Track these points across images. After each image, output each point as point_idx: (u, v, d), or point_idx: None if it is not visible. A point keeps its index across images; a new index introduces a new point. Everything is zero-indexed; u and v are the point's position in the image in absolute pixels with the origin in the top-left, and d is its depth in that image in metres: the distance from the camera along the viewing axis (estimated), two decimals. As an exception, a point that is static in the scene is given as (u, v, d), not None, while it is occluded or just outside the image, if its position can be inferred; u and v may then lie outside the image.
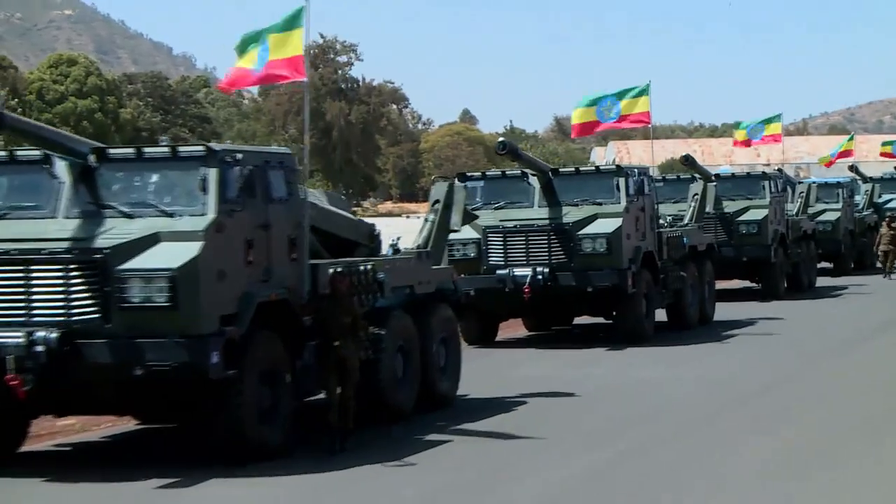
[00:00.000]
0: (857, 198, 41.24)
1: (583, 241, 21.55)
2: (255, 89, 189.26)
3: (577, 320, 24.70)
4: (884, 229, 35.50)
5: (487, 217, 21.97)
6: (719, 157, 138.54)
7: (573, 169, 22.89)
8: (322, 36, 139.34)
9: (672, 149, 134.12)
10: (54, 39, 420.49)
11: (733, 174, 31.98)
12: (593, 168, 22.94)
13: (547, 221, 21.74)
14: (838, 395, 16.48)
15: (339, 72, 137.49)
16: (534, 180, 22.34)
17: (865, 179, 42.77)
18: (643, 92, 23.86)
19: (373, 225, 15.90)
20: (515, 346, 22.95)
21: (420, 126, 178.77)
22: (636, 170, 22.38)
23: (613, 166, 22.46)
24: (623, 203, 21.89)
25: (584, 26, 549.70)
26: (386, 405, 14.31)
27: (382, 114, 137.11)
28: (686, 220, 26.27)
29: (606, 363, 20.09)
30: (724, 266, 30.47)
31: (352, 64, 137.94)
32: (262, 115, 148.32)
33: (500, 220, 21.92)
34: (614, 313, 22.47)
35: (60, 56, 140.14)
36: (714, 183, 27.66)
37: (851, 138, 42.81)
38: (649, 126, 24.72)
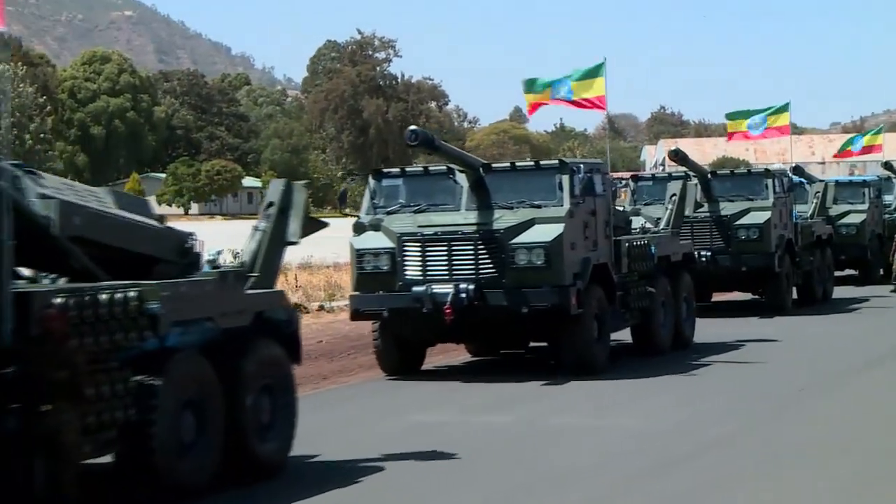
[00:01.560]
0: (889, 198, 37.29)
1: (516, 252, 17.84)
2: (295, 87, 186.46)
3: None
4: None
5: (405, 222, 18.34)
6: (772, 154, 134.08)
7: (508, 164, 19.17)
8: (360, 32, 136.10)
9: (724, 147, 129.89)
10: (115, 40, 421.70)
11: (732, 171, 28.13)
12: (532, 163, 19.16)
13: (474, 228, 18.05)
14: (812, 453, 12.70)
15: (378, 68, 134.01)
16: (462, 178, 18.66)
17: (902, 177, 38.71)
18: (597, 73, 20.04)
19: (188, 234, 12.21)
20: (438, 377, 19.19)
21: (466, 124, 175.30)
22: (581, 165, 18.59)
23: (556, 161, 18.68)
24: (566, 205, 18.15)
25: (641, 25, 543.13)
26: (160, 480, 10.63)
27: (421, 111, 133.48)
28: (661, 225, 22.48)
29: (525, 405, 16.29)
30: (722, 277, 26.77)
31: (390, 60, 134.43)
32: (304, 113, 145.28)
33: (419, 226, 18.25)
34: (562, 344, 18.74)
35: (94, 53, 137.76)
36: (694, 182, 23.78)
37: (879, 131, 38.69)
38: (604, 112, 20.92)
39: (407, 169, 19.35)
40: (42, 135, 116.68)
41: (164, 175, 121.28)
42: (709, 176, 27.44)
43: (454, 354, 21.17)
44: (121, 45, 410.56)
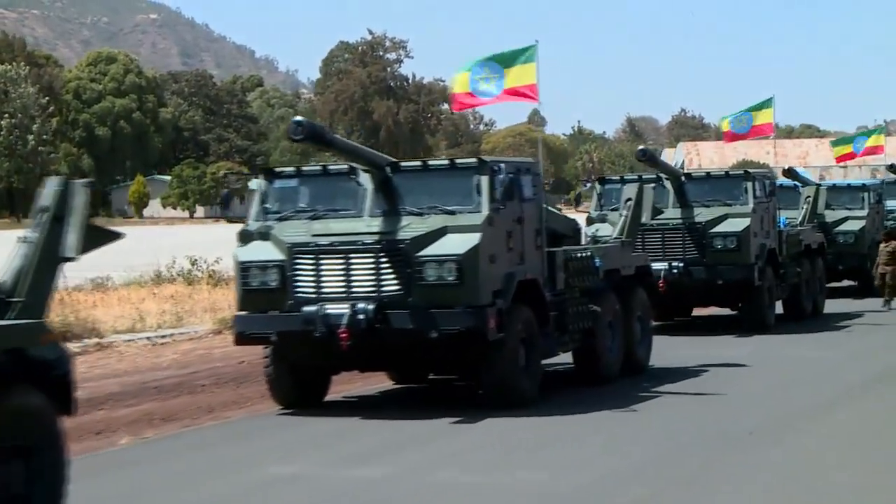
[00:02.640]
0: (893, 203, 34.58)
1: (425, 267, 15.24)
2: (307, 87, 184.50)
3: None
4: (882, 245, 28.72)
5: (298, 230, 15.78)
6: (793, 158, 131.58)
7: (420, 163, 16.54)
8: (371, 32, 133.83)
9: (744, 150, 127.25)
10: (139, 43, 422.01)
11: (708, 174, 25.45)
12: (446, 162, 16.52)
13: (376, 237, 15.45)
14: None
15: (388, 69, 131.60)
16: (366, 179, 16.07)
17: (912, 180, 35.99)
18: (529, 58, 17.36)
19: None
20: (338, 411, 16.48)
21: (482, 127, 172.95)
22: (502, 164, 15.94)
23: (474, 159, 16.04)
24: (485, 211, 15.54)
25: (659, 24, 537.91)
26: None
27: (432, 113, 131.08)
28: (614, 234, 19.87)
29: (416, 451, 13.63)
30: (696, 291, 24.16)
31: (401, 61, 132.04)
32: (316, 115, 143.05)
33: (314, 235, 15.67)
34: (482, 373, 16.13)
35: (99, 53, 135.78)
36: (653, 186, 21.12)
37: (880, 131, 35.89)
38: (537, 103, 18.20)
39: (303, 168, 16.74)
40: (45, 136, 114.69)
41: (169, 177, 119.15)
42: (682, 178, 24.80)
43: (373, 381, 18.58)
44: (145, 48, 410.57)
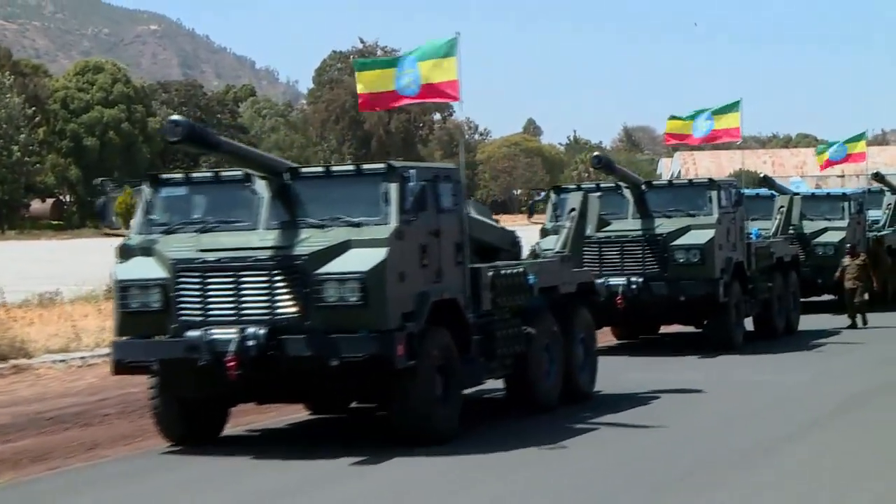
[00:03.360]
0: (877, 213, 32.91)
1: (324, 286, 13.54)
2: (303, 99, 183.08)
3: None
4: (846, 260, 26.97)
5: (184, 244, 14.08)
6: (790, 168, 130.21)
7: (322, 169, 14.79)
8: (362, 41, 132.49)
9: (741, 160, 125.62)
10: (140, 54, 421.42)
11: (670, 182, 23.75)
12: (352, 168, 14.77)
13: (270, 253, 13.75)
14: None
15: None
16: (262, 186, 14.38)
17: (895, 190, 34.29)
18: (450, 52, 15.61)
19: None
20: (230, 448, 14.69)
21: (477, 136, 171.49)
22: (413, 170, 14.21)
23: (382, 165, 14.31)
24: (393, 223, 13.84)
25: (658, 34, 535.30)
26: None
27: (424, 122, 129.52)
28: (556, 248, 18.17)
29: None
30: (658, 307, 22.50)
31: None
32: (310, 126, 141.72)
33: (201, 250, 13.96)
34: (392, 405, 14.42)
35: (87, 63, 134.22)
36: (599, 195, 19.37)
37: (862, 137, 34.17)
38: (457, 103, 16.45)
39: (193, 174, 15.02)
40: (31, 147, 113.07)
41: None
42: (643, 187, 23.10)
43: (288, 411, 16.85)
44: (146, 59, 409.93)
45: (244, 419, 16.16)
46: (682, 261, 22.31)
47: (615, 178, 23.32)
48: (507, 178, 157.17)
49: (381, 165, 14.23)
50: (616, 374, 20.08)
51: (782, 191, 28.54)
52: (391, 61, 15.64)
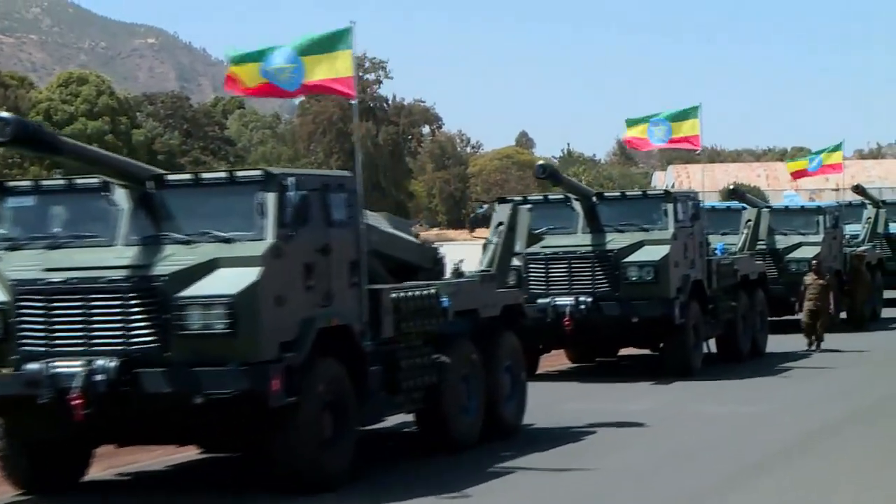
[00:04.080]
0: (857, 227, 31.18)
1: (186, 313, 11.71)
2: (289, 108, 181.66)
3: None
4: (808, 279, 25.13)
5: (30, 262, 12.25)
6: (785, 181, 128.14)
7: (190, 177, 12.98)
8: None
9: (735, 173, 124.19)
10: (137, 67, 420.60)
11: (623, 194, 21.90)
12: (224, 175, 12.95)
13: (125, 273, 11.92)
14: None
15: (368, 90, 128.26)
16: (122, 196, 12.58)
17: (877, 203, 32.53)
18: (345, 45, 13.72)
19: None
20: (83, 497, 12.91)
21: (469, 149, 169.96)
22: (292, 178, 12.38)
23: (259, 172, 12.48)
24: (269, 239, 12.03)
25: (646, 47, 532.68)
26: None
27: (412, 135, 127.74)
28: (483, 265, 16.34)
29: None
30: (610, 329, 20.76)
31: (381, 82, 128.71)
32: (296, 137, 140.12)
33: (47, 270, 12.12)
34: (271, 448, 12.57)
35: (70, 74, 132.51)
36: (529, 207, 17.52)
37: (838, 148, 32.35)
38: (353, 100, 14.53)
39: (43, 182, 13.17)
40: (11, 159, 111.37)
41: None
42: (594, 199, 21.30)
43: (178, 450, 15.01)
44: (143, 73, 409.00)
45: (120, 460, 14.33)
46: (634, 279, 20.50)
47: (562, 189, 21.57)
48: (498, 191, 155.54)
49: (257, 172, 12.44)
50: (556, 403, 18.32)
51: (753, 204, 26.76)
52: (261, 53, 13.74)
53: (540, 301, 20.56)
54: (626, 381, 20.99)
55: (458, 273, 15.92)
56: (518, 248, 16.52)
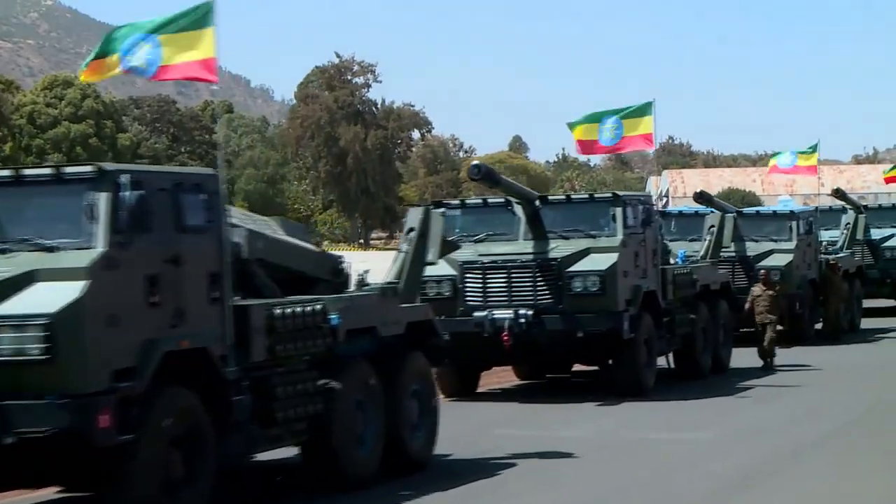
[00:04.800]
0: (834, 233, 29.38)
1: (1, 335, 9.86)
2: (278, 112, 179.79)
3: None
4: (757, 289, 23.21)
5: None
6: (780, 186, 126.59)
7: (9, 173, 11.09)
8: (338, 55, 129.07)
9: (730, 178, 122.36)
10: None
11: (568, 197, 20.06)
12: (50, 173, 11.00)
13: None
14: None
15: (356, 94, 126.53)
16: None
17: (859, 208, 30.71)
18: (200, 24, 11.81)
19: None
20: None
21: (462, 154, 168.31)
22: (126, 177, 10.48)
23: (91, 168, 10.61)
24: (100, 247, 10.18)
25: (645, 47, 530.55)
26: None
27: (401, 139, 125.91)
28: (388, 277, 14.46)
29: None
30: (554, 345, 18.95)
31: (369, 85, 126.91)
32: (285, 142, 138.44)
33: None
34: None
35: (55, 77, 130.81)
36: (441, 211, 15.64)
37: (814, 150, 30.44)
38: (215, 85, 12.60)
39: None
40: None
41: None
42: (536, 203, 19.44)
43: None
44: (141, 78, 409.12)
45: None
46: (579, 290, 18.63)
47: (501, 191, 19.72)
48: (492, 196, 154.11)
49: (88, 168, 10.61)
50: (483, 429, 16.49)
51: (722, 208, 24.93)
52: (106, 40, 12.01)
53: (476, 314, 18.78)
54: (572, 401, 19.12)
55: (362, 285, 14.07)
56: (430, 256, 14.60)
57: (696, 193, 25.53)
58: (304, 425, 12.25)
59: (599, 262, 18.64)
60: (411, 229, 14.59)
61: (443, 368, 19.74)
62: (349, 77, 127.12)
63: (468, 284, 19.06)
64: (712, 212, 25.23)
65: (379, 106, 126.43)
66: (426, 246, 14.49)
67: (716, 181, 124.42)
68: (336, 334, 12.55)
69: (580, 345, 18.91)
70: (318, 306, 12.39)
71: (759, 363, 22.60)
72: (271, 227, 13.71)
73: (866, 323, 29.27)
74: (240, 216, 13.28)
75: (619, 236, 18.88)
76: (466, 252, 19.10)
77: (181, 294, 10.80)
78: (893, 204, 33.80)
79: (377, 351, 13.38)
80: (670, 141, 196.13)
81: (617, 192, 19.61)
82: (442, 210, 15.64)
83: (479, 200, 20.35)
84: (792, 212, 27.02)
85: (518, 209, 19.44)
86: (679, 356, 21.14)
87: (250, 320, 11.59)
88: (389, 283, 14.14)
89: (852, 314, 28.37)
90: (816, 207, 29.92)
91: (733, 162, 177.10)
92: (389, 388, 13.39)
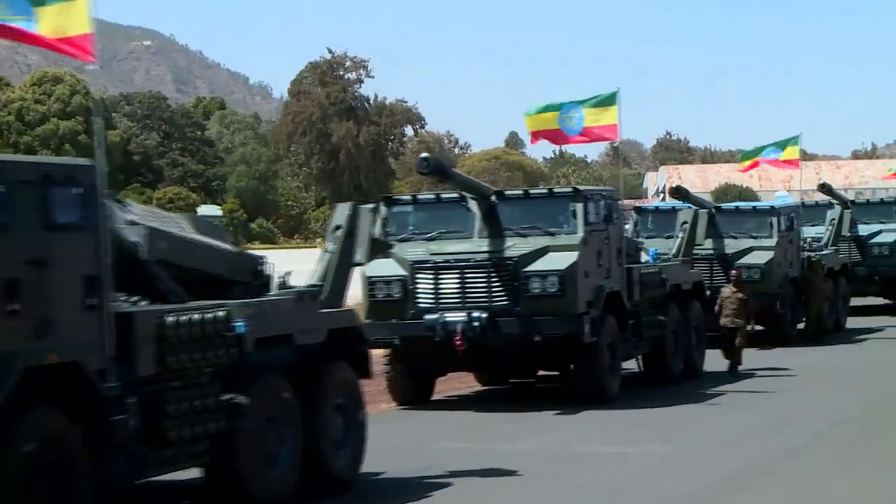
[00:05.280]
0: (820, 230, 28.15)
1: None
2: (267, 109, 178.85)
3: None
4: (726, 291, 21.87)
5: None
6: (777, 181, 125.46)
7: None
8: (330, 51, 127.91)
9: (727, 174, 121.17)
10: (133, 70, 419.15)
11: (526, 192, 18.74)
12: None
13: None
14: None
15: (349, 90, 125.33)
16: None
17: (845, 203, 29.46)
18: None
19: None
20: None
21: (457, 150, 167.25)
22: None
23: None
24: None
25: (645, 48, 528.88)
26: None
27: (394, 135, 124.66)
28: (312, 279, 13.17)
29: None
30: (510, 349, 17.72)
31: (361, 81, 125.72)
32: (277, 139, 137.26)
33: None
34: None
35: (45, 73, 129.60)
36: (371, 207, 14.27)
37: (796, 141, 29.11)
38: (91, 63, 11.47)
39: None
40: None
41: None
42: (493, 198, 18.18)
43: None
44: (139, 75, 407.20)
45: None
46: (536, 291, 17.38)
47: (454, 186, 18.47)
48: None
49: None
50: (426, 442, 15.25)
51: (698, 203, 23.67)
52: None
53: (427, 317, 17.55)
54: (530, 409, 17.83)
55: (283, 288, 12.81)
56: (358, 258, 13.31)
57: (671, 188, 24.30)
58: (206, 445, 10.98)
59: (558, 261, 17.39)
60: (338, 227, 13.31)
61: (394, 374, 18.61)
62: (341, 73, 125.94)
63: (419, 285, 17.83)
64: (689, 208, 23.98)
65: (371, 102, 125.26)
66: (353, 246, 13.21)
67: (713, 177, 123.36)
68: (242, 343, 11.28)
69: (538, 349, 17.66)
70: (221, 313, 11.10)
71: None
72: (179, 225, 12.44)
73: (853, 322, 28.03)
74: (141, 213, 12.03)
75: (580, 233, 17.63)
76: (418, 251, 17.94)
77: (46, 301, 9.53)
78: (882, 199, 32.54)
79: (294, 361, 12.12)
80: (668, 137, 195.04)
81: (578, 186, 18.36)
82: (372, 206, 14.33)
83: (432, 196, 19.07)
84: (773, 207, 25.77)
85: (473, 205, 18.19)
86: (648, 360, 19.89)
87: (135, 329, 10.32)
88: (311, 285, 12.87)
89: (837, 313, 27.14)
90: (801, 203, 28.70)
91: (731, 157, 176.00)
92: (308, 401, 12.12)
